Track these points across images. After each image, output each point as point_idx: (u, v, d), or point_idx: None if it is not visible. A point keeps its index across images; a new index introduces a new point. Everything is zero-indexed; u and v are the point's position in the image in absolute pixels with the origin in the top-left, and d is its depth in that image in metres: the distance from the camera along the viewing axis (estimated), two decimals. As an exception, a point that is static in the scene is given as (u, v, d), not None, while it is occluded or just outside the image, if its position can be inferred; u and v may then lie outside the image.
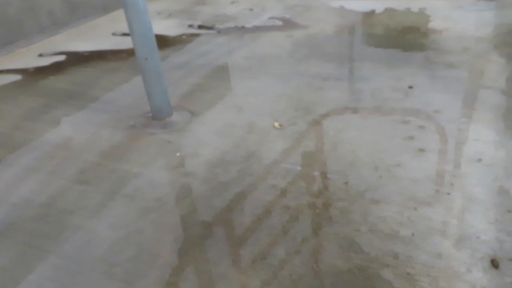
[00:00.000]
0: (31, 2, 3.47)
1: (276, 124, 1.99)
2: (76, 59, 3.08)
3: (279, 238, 1.36)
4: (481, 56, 2.48)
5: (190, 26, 3.59)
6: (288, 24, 3.28)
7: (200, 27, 3.54)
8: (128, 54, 3.06)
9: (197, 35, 3.35)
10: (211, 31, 3.41)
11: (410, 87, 2.20)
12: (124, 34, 3.49)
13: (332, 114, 2.04)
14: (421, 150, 1.71)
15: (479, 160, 1.61)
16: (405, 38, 2.86)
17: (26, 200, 1.66)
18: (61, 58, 3.13)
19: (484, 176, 1.53)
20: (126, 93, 2.48)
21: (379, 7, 3.49)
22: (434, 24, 3.04)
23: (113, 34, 3.56)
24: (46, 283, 1.29)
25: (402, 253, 1.26)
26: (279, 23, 3.45)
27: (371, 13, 3.41)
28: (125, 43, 3.27)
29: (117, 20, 3.87)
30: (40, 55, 3.20)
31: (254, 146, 1.85)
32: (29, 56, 3.19)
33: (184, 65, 2.80)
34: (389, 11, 3.34)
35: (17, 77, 2.85)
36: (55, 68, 2.95)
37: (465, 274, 1.18)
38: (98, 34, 3.57)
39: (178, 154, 1.85)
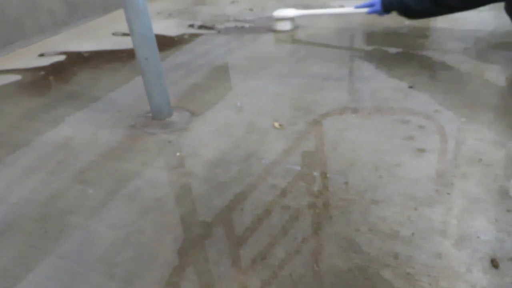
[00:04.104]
0: (31, 2, 3.47)
1: (276, 124, 1.99)
2: (76, 59, 3.08)
3: (279, 238, 1.36)
4: (481, 56, 2.48)
5: (191, 26, 3.59)
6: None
7: (200, 27, 3.54)
8: (128, 54, 3.06)
9: (197, 35, 3.35)
10: (211, 31, 3.41)
11: (410, 87, 2.20)
12: (124, 34, 3.49)
13: (332, 114, 2.04)
14: (421, 150, 1.71)
15: (479, 160, 1.61)
16: (405, 38, 2.86)
17: (26, 200, 1.67)
18: (61, 58, 3.13)
19: (484, 176, 1.53)
20: (126, 93, 2.48)
21: (379, 7, 3.49)
22: (434, 24, 3.05)
23: (113, 34, 3.56)
24: (46, 283, 1.29)
25: (402, 253, 1.26)
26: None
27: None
28: (125, 43, 3.27)
29: (117, 20, 3.87)
30: (40, 55, 3.20)
31: (254, 146, 1.85)
32: (29, 56, 3.19)
33: (184, 65, 2.80)
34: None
35: (17, 77, 2.86)
36: (55, 68, 2.95)
37: (465, 274, 1.18)
38: (98, 34, 3.58)
39: (178, 154, 1.86)
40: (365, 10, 2.89)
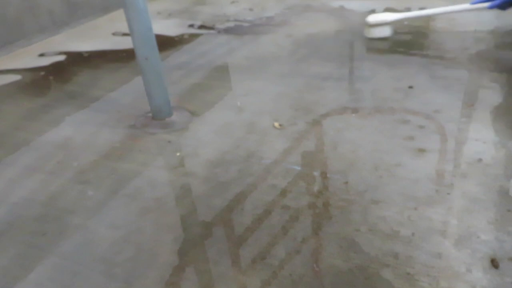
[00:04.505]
0: (31, 2, 3.47)
1: (276, 124, 1.99)
2: (76, 59, 3.08)
3: (279, 238, 1.36)
4: (481, 56, 2.48)
5: (191, 26, 3.59)
6: (288, 24, 3.28)
7: (200, 27, 3.54)
8: (128, 54, 3.06)
9: (197, 35, 3.35)
10: (211, 31, 3.41)
11: (410, 87, 2.20)
12: (124, 34, 3.49)
13: (332, 114, 2.04)
14: (421, 150, 1.71)
15: (479, 160, 1.61)
16: (405, 38, 2.86)
17: (26, 200, 1.67)
18: (61, 58, 3.13)
19: (484, 176, 1.53)
20: (126, 93, 2.48)
21: (379, 7, 3.49)
22: (434, 23, 3.04)
23: (113, 34, 3.56)
24: (46, 283, 1.29)
25: (402, 253, 1.26)
26: (279, 23, 3.44)
27: (371, 13, 3.41)
28: (125, 43, 3.27)
29: (117, 20, 3.87)
30: (40, 55, 3.20)
31: (254, 146, 1.85)
32: (29, 56, 3.19)
33: (184, 65, 2.80)
34: (389, 11, 3.34)
35: (17, 77, 2.85)
36: (55, 68, 2.95)
37: (465, 274, 1.18)
38: (98, 34, 3.57)
39: (178, 154, 1.85)
40: (484, 5, 2.59)
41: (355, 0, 3.74)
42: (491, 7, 2.58)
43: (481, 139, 1.73)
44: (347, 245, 1.31)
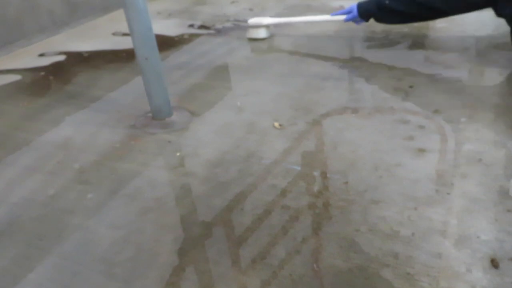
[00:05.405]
0: (31, 2, 3.47)
1: (276, 124, 1.99)
2: (76, 59, 3.08)
3: (279, 238, 1.36)
4: (481, 56, 2.48)
5: (191, 26, 3.59)
6: (288, 24, 3.28)
7: (200, 27, 3.54)
8: (128, 54, 3.06)
9: (197, 35, 3.35)
10: (211, 31, 3.41)
11: (410, 87, 2.20)
12: (124, 34, 3.49)
13: (332, 114, 2.04)
14: (421, 150, 1.71)
15: (479, 160, 1.61)
16: (405, 38, 2.86)
17: (26, 200, 1.67)
18: (61, 58, 3.13)
19: (484, 176, 1.53)
20: (126, 93, 2.48)
21: (379, 7, 3.49)
22: (434, 24, 3.05)
23: (113, 34, 3.56)
24: (45, 283, 1.29)
25: (402, 253, 1.26)
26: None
27: (371, 13, 3.40)
28: (125, 43, 3.27)
29: (117, 20, 3.87)
30: (40, 55, 3.20)
31: (254, 146, 1.85)
32: (29, 56, 3.19)
33: (184, 65, 2.80)
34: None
35: (17, 77, 2.86)
36: (55, 68, 2.95)
37: (465, 274, 1.18)
38: (98, 34, 3.57)
39: (178, 154, 1.86)
40: (342, 17, 2.79)
41: (355, 0, 3.74)
42: (347, 20, 2.80)
43: (481, 139, 1.73)
44: (347, 245, 1.31)
